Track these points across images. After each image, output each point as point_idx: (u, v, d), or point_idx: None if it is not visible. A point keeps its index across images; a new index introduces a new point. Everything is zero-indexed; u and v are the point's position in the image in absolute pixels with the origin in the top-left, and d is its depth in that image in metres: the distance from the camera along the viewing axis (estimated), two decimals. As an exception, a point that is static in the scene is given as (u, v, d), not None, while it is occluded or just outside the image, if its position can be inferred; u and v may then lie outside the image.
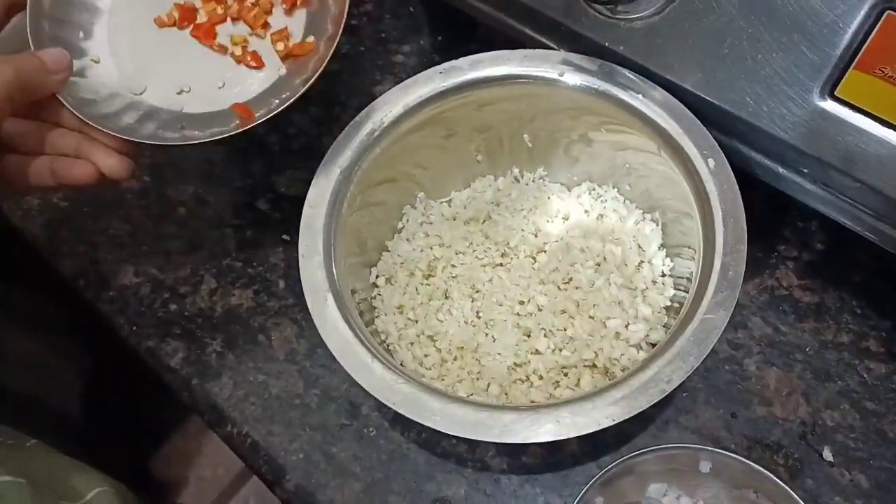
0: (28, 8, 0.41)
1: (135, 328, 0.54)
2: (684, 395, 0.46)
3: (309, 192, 0.44)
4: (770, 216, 0.51)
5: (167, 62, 0.46)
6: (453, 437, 0.47)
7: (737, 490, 0.41)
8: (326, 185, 0.44)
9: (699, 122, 0.42)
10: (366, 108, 0.46)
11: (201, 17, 0.47)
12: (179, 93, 0.45)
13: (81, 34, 0.44)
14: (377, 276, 0.49)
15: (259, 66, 0.46)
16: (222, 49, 0.46)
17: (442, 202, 0.53)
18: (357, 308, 0.44)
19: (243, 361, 0.52)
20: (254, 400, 0.50)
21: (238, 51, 0.46)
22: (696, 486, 0.42)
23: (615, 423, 0.35)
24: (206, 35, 0.46)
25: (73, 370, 0.78)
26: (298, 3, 0.46)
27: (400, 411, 0.37)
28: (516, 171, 0.53)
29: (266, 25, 0.47)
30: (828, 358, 0.46)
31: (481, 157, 0.53)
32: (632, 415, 0.35)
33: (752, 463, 0.39)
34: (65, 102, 0.40)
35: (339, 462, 0.47)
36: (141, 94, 0.45)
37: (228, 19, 0.47)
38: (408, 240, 0.51)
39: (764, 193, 0.46)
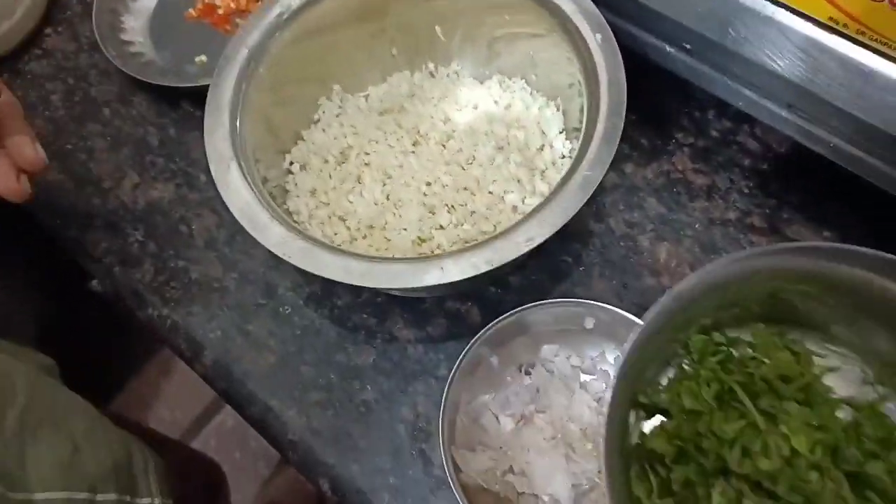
0: None
1: (59, 221, 0.55)
2: (581, 269, 0.49)
3: (216, 67, 0.45)
4: (671, 107, 0.54)
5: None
6: (363, 311, 0.49)
7: (618, 345, 0.44)
8: (233, 63, 0.46)
9: (591, 2, 0.44)
10: (272, -7, 0.48)
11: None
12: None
13: None
14: (291, 163, 0.51)
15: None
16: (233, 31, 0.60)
17: (359, 96, 0.54)
18: (269, 192, 0.46)
19: (164, 249, 0.53)
20: (174, 284, 0.52)
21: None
22: (584, 345, 0.44)
23: (493, 266, 0.37)
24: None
25: (31, 315, 0.78)
26: None
27: (295, 263, 0.39)
28: (431, 66, 0.55)
29: None
30: (715, 233, 0.49)
31: (397, 52, 0.54)
32: (509, 259, 0.37)
33: (629, 315, 0.42)
34: None
35: (254, 338, 0.49)
36: None
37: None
38: (323, 130, 0.52)
39: (666, 85, 0.48)
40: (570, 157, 0.49)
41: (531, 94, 0.52)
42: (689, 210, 0.50)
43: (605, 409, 0.30)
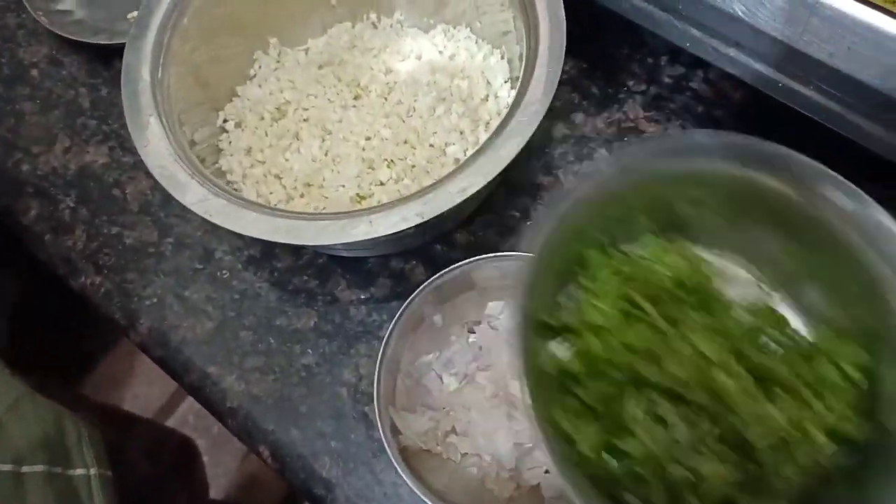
0: None
1: (-15, 189, 0.53)
2: (529, 223, 0.47)
3: (136, 18, 0.43)
4: (620, 54, 0.52)
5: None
6: (303, 274, 0.47)
7: (565, 300, 0.42)
8: (154, 12, 0.43)
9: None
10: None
11: None
12: None
13: None
14: (225, 120, 0.48)
15: None
16: None
17: (298, 49, 0.52)
18: (200, 151, 0.44)
19: (97, 215, 0.51)
20: (108, 251, 0.50)
21: None
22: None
23: (424, 219, 0.35)
24: None
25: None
26: None
27: (216, 222, 0.37)
28: (374, 16, 0.52)
29: None
30: (667, 183, 0.47)
31: (336, 2, 0.52)
32: (440, 211, 0.36)
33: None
34: None
35: (191, 304, 0.47)
36: None
37: None
38: (259, 85, 0.50)
39: (615, 32, 0.46)
40: (516, 107, 0.47)
41: (476, 42, 0.50)
42: (640, 160, 0.48)
43: (514, 338, 0.28)
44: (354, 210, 0.37)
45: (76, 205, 0.51)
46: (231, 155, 0.47)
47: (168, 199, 0.50)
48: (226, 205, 0.37)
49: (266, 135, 0.48)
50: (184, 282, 0.48)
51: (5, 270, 0.76)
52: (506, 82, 0.48)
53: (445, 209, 0.36)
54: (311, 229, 0.36)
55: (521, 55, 0.43)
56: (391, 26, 0.52)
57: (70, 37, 0.54)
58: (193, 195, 0.38)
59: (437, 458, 0.39)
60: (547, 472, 0.38)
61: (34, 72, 0.56)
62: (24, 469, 0.40)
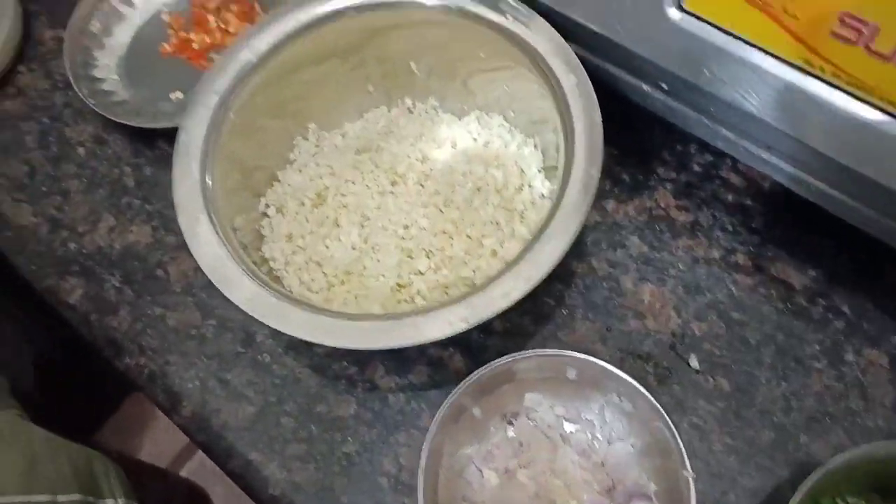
0: None
1: (34, 268, 0.54)
2: (564, 312, 0.48)
3: (182, 118, 0.45)
4: (651, 142, 0.53)
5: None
6: (343, 360, 0.48)
7: (601, 395, 0.43)
8: (204, 111, 0.45)
9: (564, 42, 0.43)
10: (242, 34, 0.47)
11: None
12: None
13: None
14: (267, 206, 0.50)
15: None
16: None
17: (335, 133, 0.54)
18: (242, 237, 0.45)
19: (141, 296, 0.52)
20: (151, 332, 0.51)
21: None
22: (569, 393, 0.44)
23: (469, 325, 0.37)
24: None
25: (28, 355, 0.77)
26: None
27: (264, 322, 0.38)
28: (409, 101, 0.54)
29: None
30: (699, 272, 0.48)
31: (373, 88, 0.53)
32: (484, 318, 0.37)
33: (611, 367, 0.41)
34: None
35: (233, 388, 0.48)
36: None
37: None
38: (299, 170, 0.51)
39: (646, 120, 0.47)
40: (550, 197, 0.48)
41: (509, 130, 0.51)
42: (672, 248, 0.49)
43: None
44: (399, 313, 0.38)
45: (121, 285, 0.53)
46: (273, 242, 0.48)
47: (210, 280, 0.52)
48: (275, 304, 0.38)
49: (306, 221, 0.49)
50: (226, 365, 0.49)
51: (27, 330, 0.77)
52: (539, 171, 0.49)
53: (490, 315, 0.37)
54: (357, 332, 0.37)
55: (557, 146, 0.44)
56: (426, 112, 0.54)
57: (114, 118, 0.56)
58: (242, 293, 0.39)
59: (478, 555, 0.40)
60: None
61: (80, 150, 0.58)
62: (61, 499, 0.43)
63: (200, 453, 1.26)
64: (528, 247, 0.39)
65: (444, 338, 0.37)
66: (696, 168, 0.52)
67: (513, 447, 0.42)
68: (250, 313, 0.38)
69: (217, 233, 0.41)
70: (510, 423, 0.44)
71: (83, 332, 0.52)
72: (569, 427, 0.43)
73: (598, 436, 0.43)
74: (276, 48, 0.47)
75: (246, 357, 0.49)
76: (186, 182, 0.43)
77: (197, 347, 0.50)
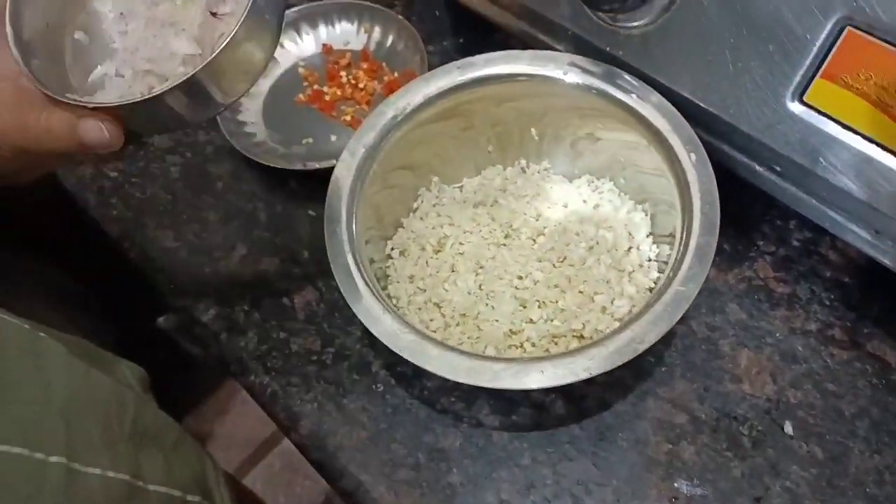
0: None
1: (172, 286, 0.60)
2: (663, 369, 0.51)
3: (336, 166, 0.50)
4: (752, 214, 0.56)
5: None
6: (451, 395, 0.52)
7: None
8: (352, 162, 0.50)
9: (685, 121, 0.47)
10: (390, 97, 0.52)
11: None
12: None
13: None
14: (392, 249, 0.55)
15: None
16: (337, 116, 0.66)
17: (454, 187, 0.58)
18: (374, 275, 0.50)
19: (268, 320, 0.57)
20: (275, 354, 0.56)
21: (348, 117, 0.66)
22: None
23: (591, 375, 0.40)
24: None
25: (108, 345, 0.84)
26: (393, 89, 0.63)
27: (404, 356, 0.42)
28: (523, 162, 0.59)
29: (369, 101, 0.66)
30: (795, 343, 0.51)
31: (492, 148, 0.58)
32: (606, 369, 0.40)
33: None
34: None
35: (348, 412, 0.52)
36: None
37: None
38: (421, 218, 0.56)
39: (749, 194, 0.51)
40: (657, 260, 0.52)
41: (619, 195, 0.55)
42: (769, 318, 0.52)
43: None
44: (527, 358, 0.42)
45: (250, 308, 0.58)
46: (398, 282, 0.53)
47: (331, 311, 0.57)
48: (413, 341, 0.43)
49: (427, 265, 0.54)
50: (342, 391, 0.53)
51: (101, 320, 0.83)
52: (647, 236, 0.53)
53: (608, 369, 0.40)
54: (488, 373, 0.41)
55: (668, 214, 0.47)
56: (538, 172, 0.58)
57: (253, 157, 0.62)
58: (385, 328, 0.43)
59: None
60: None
61: (219, 184, 0.65)
62: (189, 498, 0.46)
63: (262, 463, 1.31)
64: (645, 308, 0.42)
65: (566, 384, 0.40)
66: (796, 243, 0.55)
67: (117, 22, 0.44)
68: (391, 347, 0.42)
69: (360, 273, 0.46)
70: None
71: (214, 349, 0.57)
72: None
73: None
74: (416, 110, 0.52)
75: (361, 385, 0.53)
76: (337, 224, 0.48)
77: (316, 372, 0.54)
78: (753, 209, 0.56)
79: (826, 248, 0.54)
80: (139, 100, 0.38)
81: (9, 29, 0.39)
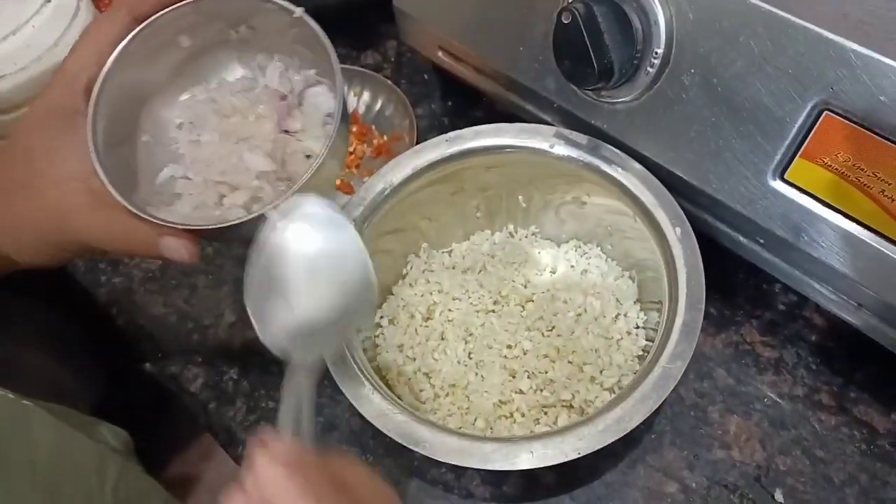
0: None
1: (160, 355, 0.60)
2: (652, 436, 0.51)
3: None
4: (738, 278, 0.57)
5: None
6: (441, 466, 0.52)
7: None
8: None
9: (670, 195, 0.48)
10: (381, 169, 0.53)
11: None
12: None
13: None
14: (381, 317, 0.55)
15: (351, 192, 0.63)
16: None
17: (443, 252, 0.59)
18: (362, 345, 0.50)
19: (256, 389, 0.57)
20: (264, 424, 0.55)
21: (338, 182, 0.65)
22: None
23: (581, 455, 0.40)
24: None
25: (84, 388, 0.83)
26: (382, 152, 0.66)
27: (394, 438, 0.42)
28: (511, 227, 0.59)
29: (359, 165, 0.67)
30: (783, 408, 0.51)
31: (481, 214, 0.59)
32: (595, 449, 0.40)
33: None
34: None
35: (338, 484, 0.52)
36: None
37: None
38: (410, 285, 0.57)
39: (734, 258, 0.51)
40: (644, 327, 0.52)
41: (606, 261, 0.56)
42: (757, 383, 0.52)
43: None
44: (517, 437, 0.42)
45: (238, 377, 0.58)
46: (387, 352, 0.53)
47: (320, 380, 0.57)
48: (403, 422, 0.43)
49: (416, 333, 0.54)
50: (332, 462, 0.53)
51: (93, 362, 0.82)
52: (635, 303, 0.53)
53: (599, 447, 0.40)
54: (479, 454, 0.41)
55: (655, 282, 0.48)
56: (526, 237, 0.59)
57: (243, 222, 0.62)
58: (374, 409, 0.43)
59: None
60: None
61: (209, 249, 0.65)
62: None
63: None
64: (635, 383, 0.42)
65: (556, 464, 0.40)
66: (781, 307, 0.55)
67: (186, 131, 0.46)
68: (381, 429, 0.42)
69: (349, 350, 0.46)
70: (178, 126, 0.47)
71: (202, 419, 0.57)
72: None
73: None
74: (405, 182, 0.52)
75: (350, 454, 0.53)
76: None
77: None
78: (739, 273, 0.57)
79: (811, 312, 0.55)
80: (229, 224, 0.40)
81: (90, 141, 0.40)
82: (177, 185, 0.45)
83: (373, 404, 0.43)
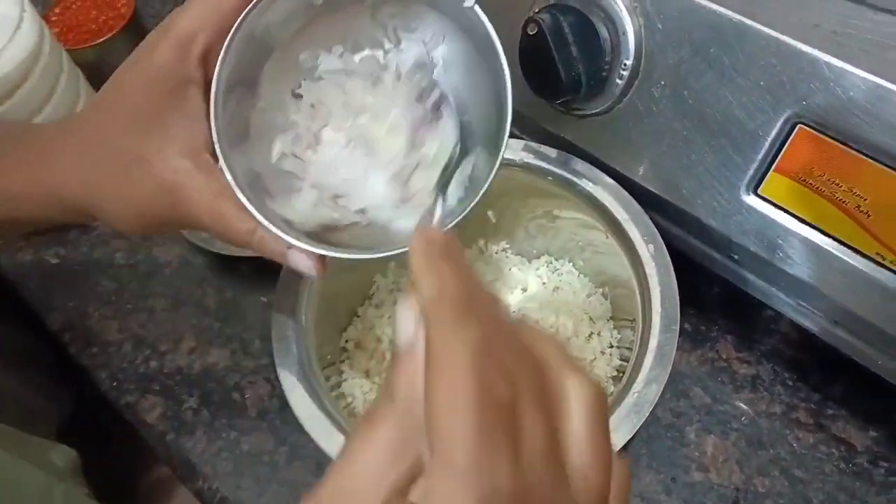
0: None
1: (115, 384, 0.57)
2: (628, 459, 0.50)
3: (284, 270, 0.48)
4: (713, 293, 0.56)
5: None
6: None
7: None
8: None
9: (642, 210, 0.47)
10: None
11: None
12: None
13: None
14: (347, 341, 0.53)
15: None
16: None
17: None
18: (325, 371, 0.48)
19: (217, 418, 0.54)
20: (226, 455, 0.53)
21: None
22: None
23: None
24: None
25: (55, 412, 0.80)
26: None
27: (359, 473, 0.40)
28: (482, 242, 0.57)
29: None
30: (761, 427, 0.50)
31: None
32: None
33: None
34: None
35: (304, 517, 0.50)
36: None
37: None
38: (377, 306, 0.54)
39: (708, 273, 0.50)
40: (618, 346, 0.51)
41: (578, 277, 0.54)
42: (734, 401, 0.51)
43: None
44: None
45: (198, 406, 0.55)
46: (353, 378, 0.51)
47: (285, 405, 0.53)
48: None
49: (384, 358, 0.52)
50: (297, 494, 0.51)
51: (63, 386, 0.79)
52: (609, 321, 0.52)
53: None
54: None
55: (628, 298, 0.46)
56: (496, 253, 0.57)
57: (201, 245, 0.60)
58: (338, 446, 0.41)
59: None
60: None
61: (167, 270, 0.62)
62: None
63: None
64: (612, 406, 0.41)
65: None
66: (757, 321, 0.54)
67: (307, 113, 0.39)
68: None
69: (310, 383, 0.43)
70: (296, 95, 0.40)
71: (159, 451, 0.54)
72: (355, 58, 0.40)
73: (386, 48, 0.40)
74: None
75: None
76: (285, 331, 0.45)
77: (269, 473, 0.52)
78: (714, 287, 0.56)
79: (786, 327, 0.54)
80: (362, 258, 0.37)
81: (216, 138, 0.35)
82: (286, 163, 0.39)
83: (336, 441, 0.41)
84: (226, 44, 0.34)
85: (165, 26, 0.35)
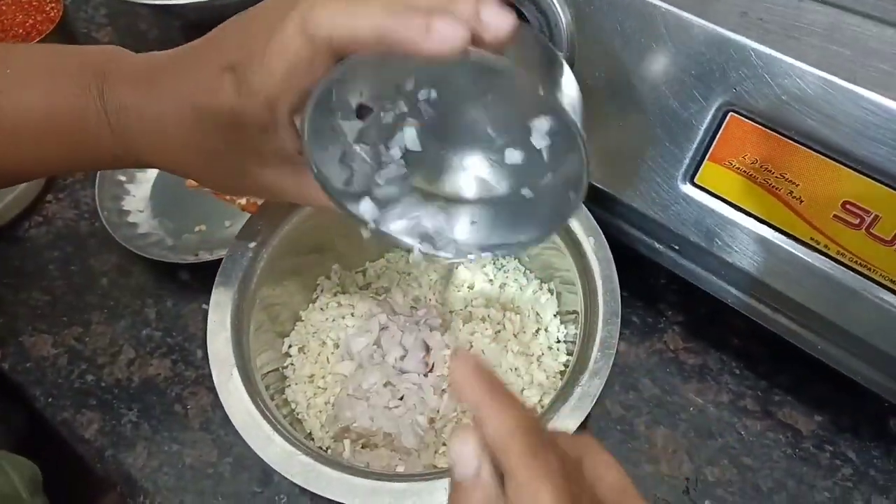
0: None
1: (50, 399, 0.54)
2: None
3: (220, 269, 0.46)
4: (658, 284, 0.56)
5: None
6: (362, 502, 0.48)
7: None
8: (239, 261, 0.46)
9: (583, 205, 0.46)
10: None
11: None
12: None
13: None
14: (290, 346, 0.51)
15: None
16: (232, 201, 0.62)
17: (356, 272, 0.56)
18: (266, 379, 0.46)
19: (158, 431, 0.52)
20: (167, 470, 0.51)
21: (243, 201, 0.61)
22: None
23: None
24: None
25: (9, 432, 0.77)
26: None
27: (296, 482, 0.39)
28: (428, 240, 0.56)
29: None
30: (710, 416, 0.50)
31: (393, 229, 0.56)
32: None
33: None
34: None
35: (250, 530, 0.48)
36: None
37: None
38: (321, 309, 0.53)
39: (652, 263, 0.50)
40: (565, 341, 0.50)
41: (524, 273, 0.54)
42: (682, 392, 0.51)
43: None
44: (432, 473, 0.39)
45: (138, 419, 0.53)
46: (296, 384, 0.49)
47: (228, 417, 0.53)
48: (308, 464, 0.39)
49: (328, 361, 0.51)
50: (242, 506, 0.49)
51: (14, 406, 0.77)
52: (555, 316, 0.51)
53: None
54: (388, 495, 0.38)
55: (574, 293, 0.46)
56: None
57: (138, 252, 0.58)
58: (276, 452, 0.40)
59: None
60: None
61: (103, 280, 0.60)
62: None
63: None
64: (552, 408, 0.40)
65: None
66: (703, 310, 0.54)
67: None
68: (283, 473, 0.39)
69: (248, 388, 0.42)
70: None
71: (97, 468, 0.52)
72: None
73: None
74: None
75: (263, 497, 0.49)
76: (220, 335, 0.44)
77: (214, 487, 0.50)
78: (660, 278, 0.56)
79: (731, 316, 0.53)
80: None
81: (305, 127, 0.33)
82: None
83: (274, 447, 0.40)
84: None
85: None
